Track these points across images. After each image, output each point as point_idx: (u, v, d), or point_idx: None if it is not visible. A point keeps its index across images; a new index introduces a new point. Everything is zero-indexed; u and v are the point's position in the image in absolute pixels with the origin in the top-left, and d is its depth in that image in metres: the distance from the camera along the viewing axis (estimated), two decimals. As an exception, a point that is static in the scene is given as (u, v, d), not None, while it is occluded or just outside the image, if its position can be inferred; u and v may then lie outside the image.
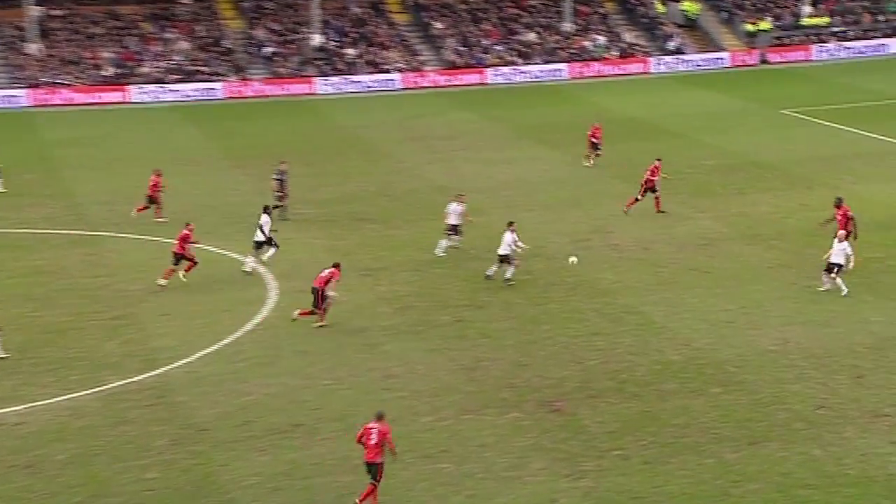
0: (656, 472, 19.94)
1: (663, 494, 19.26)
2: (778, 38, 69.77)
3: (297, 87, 61.06)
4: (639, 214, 36.07)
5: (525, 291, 29.47)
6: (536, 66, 65.35)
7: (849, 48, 69.22)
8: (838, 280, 28.12)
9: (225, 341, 26.16)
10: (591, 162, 43.20)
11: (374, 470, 18.52)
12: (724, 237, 33.82)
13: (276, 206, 34.61)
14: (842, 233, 28.36)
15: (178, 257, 29.88)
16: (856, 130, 48.03)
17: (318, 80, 61.41)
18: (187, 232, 30.09)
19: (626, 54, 67.37)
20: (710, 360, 24.71)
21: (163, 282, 29.72)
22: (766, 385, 23.29)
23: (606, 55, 66.95)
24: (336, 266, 27.01)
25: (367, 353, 25.44)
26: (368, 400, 22.65)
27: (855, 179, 39.68)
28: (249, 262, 31.14)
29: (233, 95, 59.96)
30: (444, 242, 32.42)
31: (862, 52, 69.08)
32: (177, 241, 30.08)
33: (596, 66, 66.01)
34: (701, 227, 34.99)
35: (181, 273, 29.87)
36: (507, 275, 29.66)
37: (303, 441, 21.31)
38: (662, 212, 36.13)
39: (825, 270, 28.24)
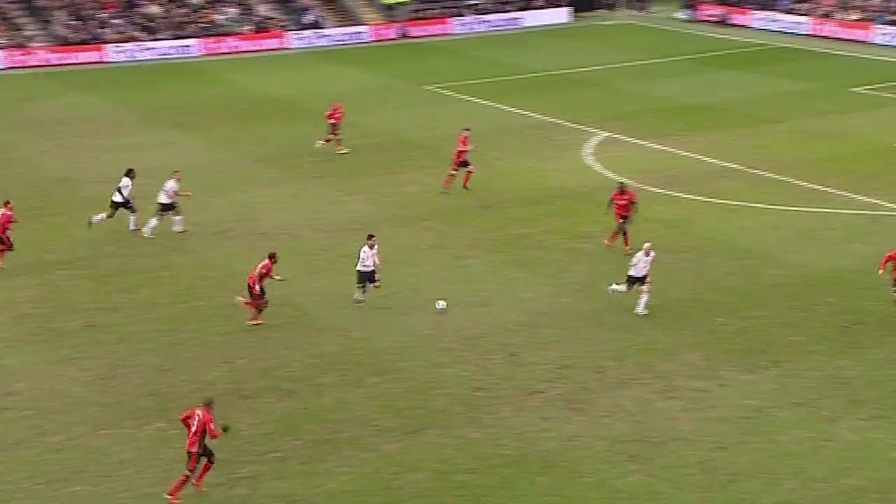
0: (315, 471, 20.11)
1: (323, 494, 19.47)
2: (416, 10, 72.28)
3: None
4: (285, 198, 36.14)
5: (166, 289, 28.75)
6: (163, 41, 63.77)
7: (486, 21, 72.93)
8: (625, 291, 26.73)
9: None
10: (323, 143, 41.57)
11: (190, 456, 18.91)
12: (377, 220, 34.58)
13: None
14: (647, 245, 26.63)
15: None
16: (498, 105, 50.71)
17: None
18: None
19: (261, 28, 67.21)
20: (366, 350, 25.22)
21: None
22: (423, 371, 24.10)
23: (239, 29, 66.44)
24: (270, 257, 26.41)
25: (-15, 371, 23.85)
26: (-12, 424, 21.25)
27: (500, 155, 41.90)
28: None
29: None
30: (154, 221, 32.24)
31: (498, 26, 73.03)
32: None
33: (229, 42, 65.40)
34: (352, 210, 35.61)
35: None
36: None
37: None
38: (466, 188, 36.57)
39: (628, 282, 26.58)
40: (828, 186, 36.10)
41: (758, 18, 69.19)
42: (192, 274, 29.86)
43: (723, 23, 70.62)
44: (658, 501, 19.01)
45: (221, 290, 28.55)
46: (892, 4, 62.92)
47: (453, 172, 36.77)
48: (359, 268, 27.26)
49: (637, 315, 26.24)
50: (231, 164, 41.28)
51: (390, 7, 71.58)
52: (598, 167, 39.85)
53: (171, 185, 32.62)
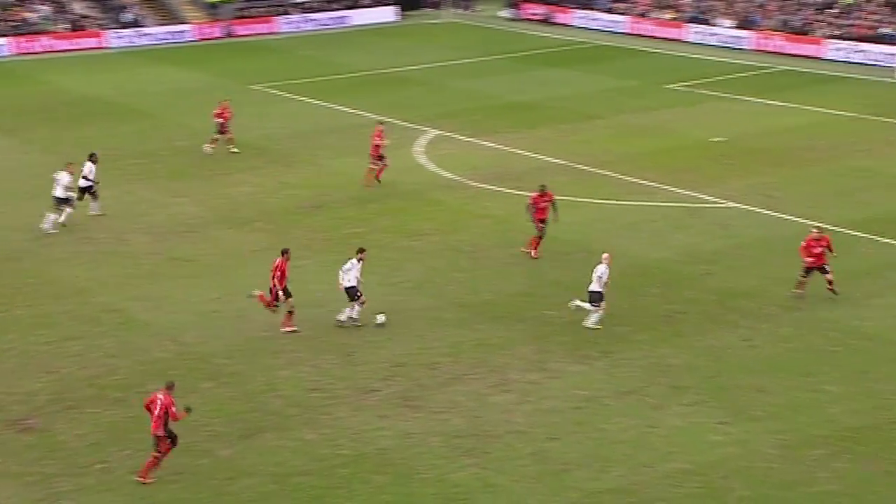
0: (145, 481, 19.59)
1: (156, 505, 19.02)
2: (241, 9, 71.32)
3: None
4: (110, 201, 35.12)
5: (-17, 299, 27.58)
6: (-29, 40, 61.21)
7: (313, 20, 72.52)
8: (590, 309, 25.78)
9: None
10: (213, 147, 40.79)
11: (158, 440, 19.19)
12: (206, 222, 33.98)
13: None
14: (606, 255, 25.92)
15: None
16: (328, 104, 50.49)
17: None
18: None
19: (78, 27, 65.14)
20: (198, 354, 24.73)
21: None
22: (257, 374, 23.78)
23: (54, 28, 64.24)
24: (283, 253, 25.47)
25: None
26: None
27: (332, 154, 41.71)
28: None
29: None
30: (51, 217, 31.53)
31: (326, 24, 72.74)
32: None
33: (43, 41, 63.18)
34: (180, 213, 34.87)
35: None
36: None
37: None
38: (379, 181, 36.44)
39: (590, 301, 25.65)
40: (648, 180, 37.25)
41: (579, 17, 70.88)
42: (11, 282, 28.73)
43: (546, 21, 72.08)
44: (493, 494, 19.25)
45: (41, 298, 27.55)
46: (703, 4, 65.37)
47: (372, 167, 36.87)
48: (345, 285, 25.65)
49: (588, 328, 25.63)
50: (51, 166, 39.78)
51: (214, 5, 70.41)
52: (429, 165, 40.11)
53: (64, 177, 32.46)
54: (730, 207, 34.13)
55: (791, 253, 29.37)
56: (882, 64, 53.04)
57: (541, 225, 30.08)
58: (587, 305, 25.80)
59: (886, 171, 36.62)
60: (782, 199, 34.62)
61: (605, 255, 25.76)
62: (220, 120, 41.22)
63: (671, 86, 52.65)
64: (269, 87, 54.56)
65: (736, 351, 24.23)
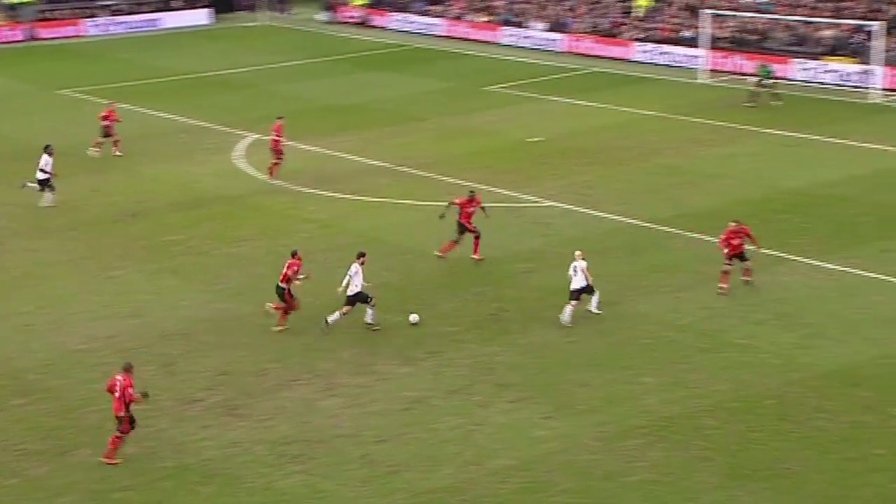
0: (-43, 506, 18.67)
1: (-32, 530, 18.10)
2: (43, 11, 68.80)
3: None
4: None
5: None
6: None
7: (122, 22, 70.57)
8: (593, 301, 26.10)
9: None
10: (99, 151, 40.51)
11: (120, 420, 19.80)
12: (14, 232, 32.64)
13: None
14: (578, 253, 25.98)
15: None
16: (143, 109, 49.15)
17: None
18: None
19: None
20: (7, 370, 23.70)
21: None
22: (73, 388, 22.93)
23: None
24: (293, 255, 25.49)
25: None
26: None
27: (148, 160, 40.63)
28: None
29: None
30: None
31: (136, 27, 70.88)
32: None
33: None
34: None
35: None
36: None
37: None
38: (272, 176, 37.02)
39: (571, 300, 25.63)
40: (469, 181, 37.67)
41: (396, 20, 71.17)
42: None
43: (363, 24, 72.12)
44: (321, 499, 19.07)
45: None
46: (516, 6, 66.59)
47: (276, 161, 37.02)
48: (349, 292, 25.15)
49: (563, 323, 25.51)
50: None
51: (13, 7, 67.64)
52: (249, 170, 39.53)
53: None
54: (548, 206, 34.83)
55: (608, 250, 30.20)
56: (685, 65, 55.14)
57: (473, 228, 29.78)
58: (594, 305, 25.95)
59: (694, 169, 38.06)
60: (597, 196, 35.54)
61: (577, 253, 26.04)
62: (106, 123, 40.81)
63: (489, 88, 53.42)
64: (76, 92, 52.75)
65: (558, 347, 24.72)
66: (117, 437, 19.96)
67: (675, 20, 58.68)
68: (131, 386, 19.83)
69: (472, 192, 30.67)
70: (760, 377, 23.04)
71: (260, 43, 67.70)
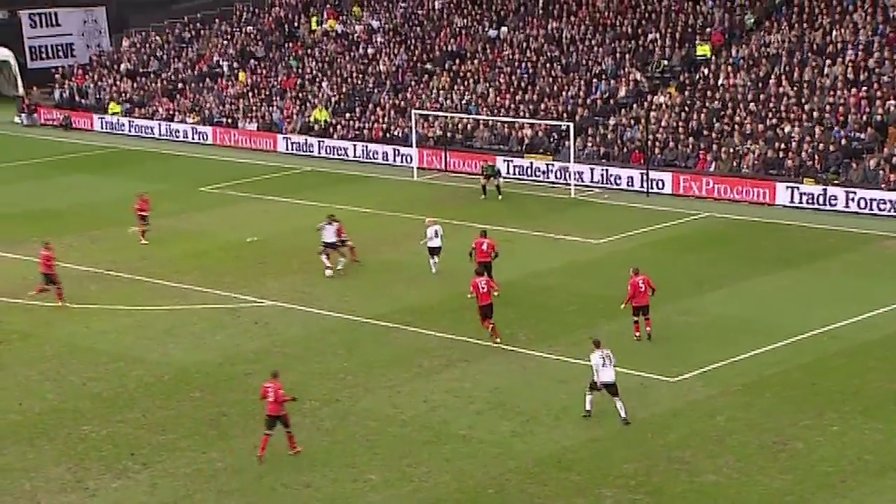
0: None
1: None
2: None
3: None
4: None
5: None
6: None
7: None
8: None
9: None
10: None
11: (283, 420, 23.77)
12: None
13: None
14: (429, 220, 27.60)
15: None
16: None
17: None
18: None
19: None
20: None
21: None
22: None
23: None
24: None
25: None
26: None
27: None
28: None
29: None
30: None
31: None
32: None
33: None
34: None
35: None
36: None
37: None
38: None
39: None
40: (185, 283, 37.00)
41: (101, 121, 69.54)
42: None
43: (66, 127, 70.03)
44: None
45: None
46: (226, 108, 66.61)
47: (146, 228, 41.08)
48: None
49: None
50: None
51: None
52: (-60, 280, 37.22)
53: None
54: (269, 306, 34.66)
55: (328, 347, 30.31)
56: (396, 164, 56.74)
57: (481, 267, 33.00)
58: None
59: (409, 263, 38.89)
60: (317, 294, 35.68)
61: (428, 220, 30.34)
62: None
63: (204, 188, 52.90)
64: None
65: (279, 448, 24.43)
66: (290, 432, 23.87)
67: (386, 120, 60.40)
68: (281, 388, 23.69)
69: (483, 231, 35.45)
70: (481, 467, 23.59)
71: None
